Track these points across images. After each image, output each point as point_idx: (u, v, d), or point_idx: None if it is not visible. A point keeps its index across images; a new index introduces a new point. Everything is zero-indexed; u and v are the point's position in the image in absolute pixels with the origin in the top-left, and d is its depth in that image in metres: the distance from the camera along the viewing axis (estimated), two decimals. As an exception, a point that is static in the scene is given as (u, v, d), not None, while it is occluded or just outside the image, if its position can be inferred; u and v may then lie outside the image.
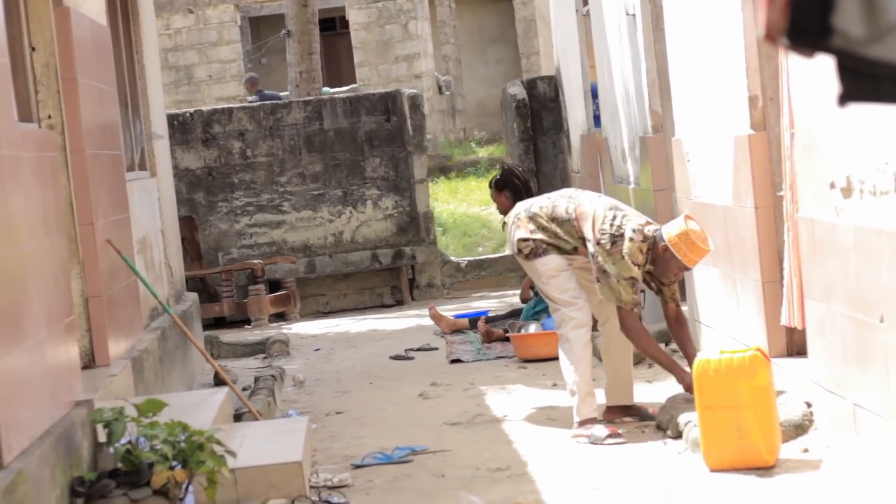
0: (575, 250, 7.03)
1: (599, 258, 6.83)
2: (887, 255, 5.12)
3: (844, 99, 2.17)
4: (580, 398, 6.93)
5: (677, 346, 7.24)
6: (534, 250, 7.05)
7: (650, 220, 7.01)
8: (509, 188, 9.34)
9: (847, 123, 5.50)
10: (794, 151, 6.35)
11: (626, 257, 6.76)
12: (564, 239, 7.02)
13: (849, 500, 5.32)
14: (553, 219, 7.05)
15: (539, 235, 7.04)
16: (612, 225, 6.85)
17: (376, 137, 13.98)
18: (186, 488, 5.34)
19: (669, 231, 6.76)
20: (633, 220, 6.88)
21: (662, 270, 6.87)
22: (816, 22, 2.10)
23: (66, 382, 5.58)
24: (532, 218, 7.09)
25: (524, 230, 7.09)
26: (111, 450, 5.36)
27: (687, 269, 6.86)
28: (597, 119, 12.02)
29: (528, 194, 8.90)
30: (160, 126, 10.24)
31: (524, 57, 29.76)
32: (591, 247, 6.88)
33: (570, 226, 7.00)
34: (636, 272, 6.79)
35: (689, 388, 7.02)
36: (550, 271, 7.02)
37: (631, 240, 6.79)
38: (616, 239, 6.82)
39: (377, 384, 9.24)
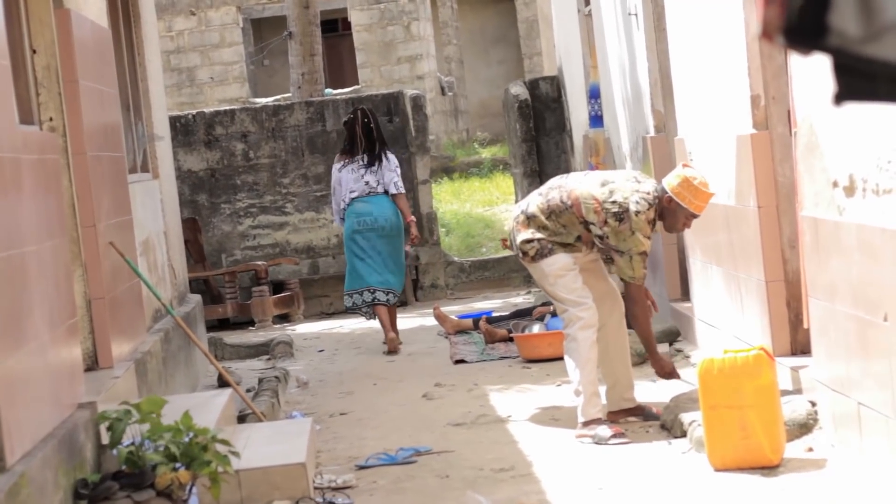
0: (579, 239, 6.97)
1: (610, 239, 6.81)
2: (890, 253, 5.11)
3: (840, 98, 2.16)
4: (585, 398, 6.91)
5: (636, 331, 7.09)
6: (539, 251, 6.99)
7: (639, 178, 6.93)
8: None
9: (849, 122, 5.49)
10: (796, 150, 6.35)
11: (637, 232, 6.74)
12: (567, 231, 6.97)
13: (853, 499, 5.31)
14: (551, 213, 6.98)
15: (541, 235, 7.01)
16: (613, 203, 6.80)
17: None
18: (190, 490, 5.33)
19: (670, 182, 6.76)
20: (630, 191, 6.81)
21: (671, 223, 6.86)
22: (813, 20, 2.09)
23: (68, 385, 5.57)
24: (531, 219, 7.04)
25: (526, 232, 7.05)
26: (114, 452, 5.35)
27: (695, 216, 6.82)
28: (599, 119, 12.00)
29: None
30: (162, 128, 10.24)
31: (526, 57, 29.75)
32: (597, 230, 6.84)
33: (570, 214, 6.93)
34: (647, 245, 6.78)
35: (664, 375, 7.06)
36: (557, 271, 6.97)
37: (637, 213, 6.74)
38: (622, 216, 6.76)
39: (381, 385, 9.23)
